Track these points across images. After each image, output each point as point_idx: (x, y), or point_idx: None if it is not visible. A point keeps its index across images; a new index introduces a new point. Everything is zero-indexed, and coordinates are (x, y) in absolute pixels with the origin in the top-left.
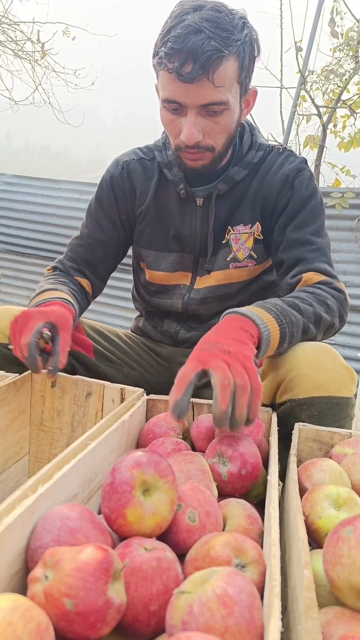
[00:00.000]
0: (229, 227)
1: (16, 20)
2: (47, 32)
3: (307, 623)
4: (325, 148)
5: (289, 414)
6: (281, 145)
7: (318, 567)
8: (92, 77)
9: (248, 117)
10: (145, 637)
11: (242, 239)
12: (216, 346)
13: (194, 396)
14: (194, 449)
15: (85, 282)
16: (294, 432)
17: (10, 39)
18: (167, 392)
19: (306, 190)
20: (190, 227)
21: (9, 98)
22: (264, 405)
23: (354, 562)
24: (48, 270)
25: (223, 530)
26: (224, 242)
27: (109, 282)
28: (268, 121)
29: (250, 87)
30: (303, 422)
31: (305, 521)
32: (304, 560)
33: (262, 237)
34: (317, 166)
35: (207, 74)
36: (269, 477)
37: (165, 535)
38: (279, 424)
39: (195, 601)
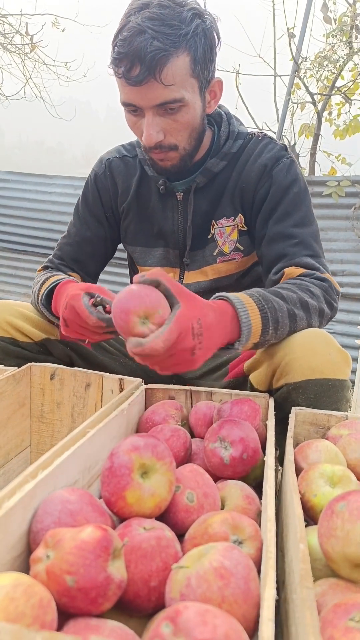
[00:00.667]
0: (213, 221)
1: (3, 13)
2: (36, 25)
3: (302, 592)
4: (320, 136)
5: (286, 398)
6: (261, 132)
7: (314, 542)
8: (83, 69)
9: (241, 104)
10: (146, 613)
11: (226, 232)
12: (198, 327)
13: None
14: (192, 435)
15: (77, 277)
16: (290, 415)
17: None
18: (165, 381)
19: (285, 179)
20: (172, 222)
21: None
22: (261, 391)
23: (347, 534)
24: (39, 270)
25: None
26: (209, 236)
27: (107, 276)
28: (262, 110)
29: (214, 77)
30: (300, 406)
31: (302, 499)
32: (299, 535)
33: (246, 228)
34: (313, 155)
35: (154, 75)
36: (265, 459)
37: (165, 516)
38: (276, 409)
39: (193, 574)
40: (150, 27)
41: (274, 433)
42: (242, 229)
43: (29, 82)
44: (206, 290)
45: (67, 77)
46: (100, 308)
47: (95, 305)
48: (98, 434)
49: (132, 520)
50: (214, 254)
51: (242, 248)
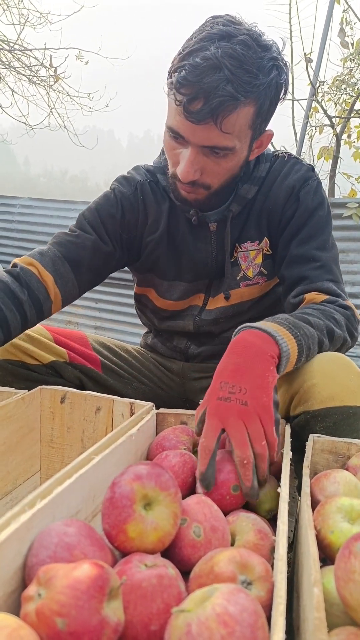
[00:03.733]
0: (237, 244)
1: (30, 47)
2: (60, 58)
3: None
4: (339, 158)
5: (304, 426)
6: (286, 152)
7: (331, 585)
8: (105, 99)
9: None
10: None
11: (250, 256)
12: (233, 393)
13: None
14: None
15: (49, 279)
16: (307, 443)
17: (24, 66)
18: (178, 406)
19: (312, 202)
20: (205, 254)
21: (25, 123)
22: None
23: None
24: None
25: (232, 546)
26: (232, 260)
27: (117, 298)
28: (281, 134)
29: (266, 129)
30: (318, 433)
31: (318, 536)
32: (313, 578)
33: (271, 252)
34: (332, 177)
35: (216, 119)
36: (279, 490)
37: (169, 551)
38: (293, 437)
39: (194, 620)
40: (227, 67)
41: (289, 461)
42: (267, 252)
43: (53, 112)
44: (227, 315)
45: (90, 108)
46: None
47: None
48: (104, 460)
49: (133, 556)
50: (237, 278)
51: (266, 272)
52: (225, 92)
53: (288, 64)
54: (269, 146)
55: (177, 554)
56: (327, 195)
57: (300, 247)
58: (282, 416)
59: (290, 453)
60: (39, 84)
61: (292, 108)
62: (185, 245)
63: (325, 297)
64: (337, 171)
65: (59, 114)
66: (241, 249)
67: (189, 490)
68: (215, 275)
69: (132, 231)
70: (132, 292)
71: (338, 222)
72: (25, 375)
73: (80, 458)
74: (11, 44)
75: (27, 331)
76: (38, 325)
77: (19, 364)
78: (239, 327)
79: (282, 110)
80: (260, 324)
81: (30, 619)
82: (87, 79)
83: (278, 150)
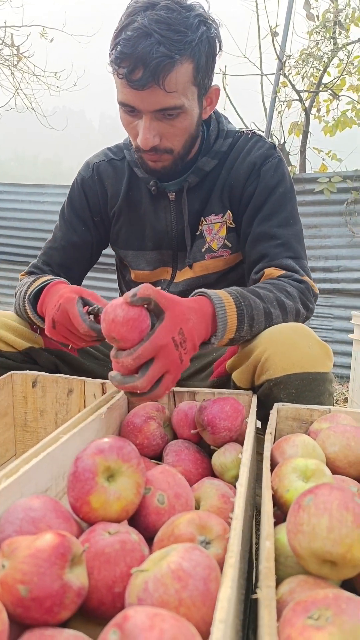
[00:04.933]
0: (202, 217)
1: None
2: (24, 37)
3: (264, 591)
4: (309, 133)
5: (268, 394)
6: (250, 130)
7: (285, 539)
8: (73, 78)
9: (229, 105)
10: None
11: (214, 229)
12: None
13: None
14: (175, 436)
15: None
16: (272, 411)
17: None
18: None
19: (273, 178)
20: (166, 223)
21: None
22: (243, 389)
23: (313, 529)
24: (22, 275)
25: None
26: (197, 233)
27: (94, 282)
28: (250, 110)
29: (212, 84)
30: (282, 401)
31: (275, 495)
32: (266, 532)
33: (234, 225)
34: (303, 152)
35: (157, 81)
36: (240, 456)
37: (135, 519)
38: (260, 406)
39: (151, 578)
40: (156, 31)
41: (253, 429)
42: (230, 226)
43: (19, 93)
44: (193, 287)
45: (58, 87)
46: (92, 317)
47: (89, 313)
48: (72, 439)
49: (97, 525)
50: (202, 250)
51: (230, 245)
52: (159, 54)
53: (218, 21)
54: (240, 124)
55: (143, 522)
56: (289, 171)
57: (261, 225)
58: (247, 387)
59: (257, 422)
60: (2, 63)
61: (261, 83)
62: (146, 215)
63: (282, 272)
64: (307, 146)
65: (25, 95)
66: (206, 221)
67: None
68: (179, 246)
69: (98, 211)
70: (106, 276)
71: (310, 198)
72: (0, 362)
73: (48, 437)
74: None
75: (2, 318)
76: (11, 312)
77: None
78: (194, 292)
79: (251, 85)
80: (210, 290)
81: (1, 586)
82: (54, 57)
83: (242, 128)
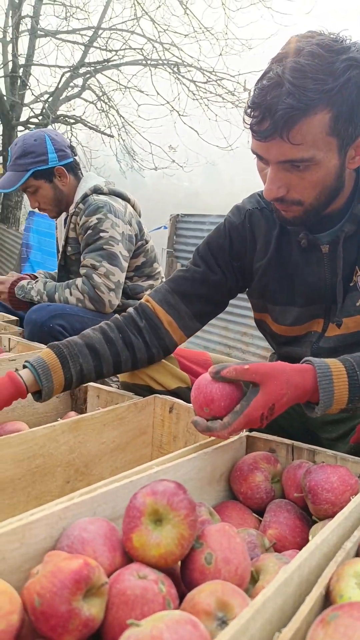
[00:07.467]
0: (356, 267)
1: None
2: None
3: None
4: None
5: None
6: None
7: None
8: None
9: None
10: None
11: None
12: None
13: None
14: (283, 495)
15: (160, 310)
16: None
17: (228, 92)
18: (301, 439)
19: None
20: (318, 278)
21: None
22: None
23: None
24: (141, 302)
25: (255, 584)
26: (351, 284)
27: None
28: None
29: None
30: None
31: (329, 595)
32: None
33: None
34: None
35: (281, 133)
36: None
37: (182, 570)
38: None
39: (134, 635)
40: (289, 80)
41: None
42: None
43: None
44: (346, 344)
45: None
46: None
47: None
48: (163, 472)
49: (133, 565)
50: (357, 304)
51: None
52: (286, 105)
53: None
54: None
55: (187, 576)
56: None
57: None
58: None
59: None
60: (241, 107)
61: None
62: (296, 269)
63: None
64: None
65: None
66: None
67: None
68: (333, 300)
69: (242, 259)
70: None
71: None
72: None
73: (142, 466)
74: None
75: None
76: None
77: (145, 388)
78: (304, 359)
79: None
80: (318, 359)
81: (25, 591)
82: None
83: None
